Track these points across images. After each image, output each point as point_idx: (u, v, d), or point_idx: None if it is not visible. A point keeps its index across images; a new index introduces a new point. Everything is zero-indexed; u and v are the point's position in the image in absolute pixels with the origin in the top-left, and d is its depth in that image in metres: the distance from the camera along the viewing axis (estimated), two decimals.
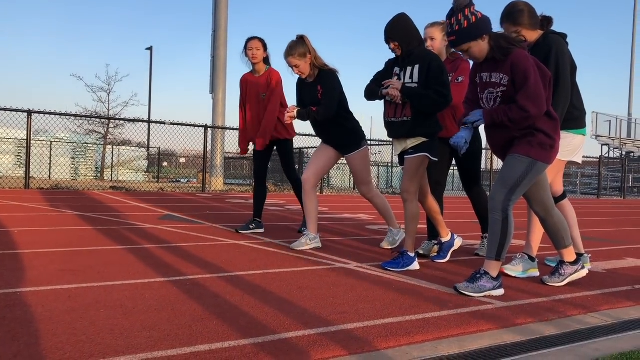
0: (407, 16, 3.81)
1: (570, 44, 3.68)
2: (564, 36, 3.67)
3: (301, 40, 4.44)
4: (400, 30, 3.75)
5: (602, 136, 31.09)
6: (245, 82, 5.50)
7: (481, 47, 3.08)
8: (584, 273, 3.46)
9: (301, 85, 4.64)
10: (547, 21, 3.67)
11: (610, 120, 31.59)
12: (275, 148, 5.53)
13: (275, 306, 2.66)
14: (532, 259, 3.74)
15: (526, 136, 3.09)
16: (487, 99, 3.17)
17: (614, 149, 32.07)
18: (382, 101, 3.96)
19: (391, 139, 4.06)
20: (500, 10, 3.70)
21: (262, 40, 5.35)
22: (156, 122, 13.73)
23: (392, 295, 2.99)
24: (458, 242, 4.25)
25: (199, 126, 13.60)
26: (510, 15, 3.60)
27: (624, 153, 31.60)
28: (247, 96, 5.46)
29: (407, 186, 3.82)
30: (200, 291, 2.89)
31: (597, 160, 22.83)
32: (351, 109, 4.65)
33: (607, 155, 30.67)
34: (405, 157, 3.86)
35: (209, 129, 13.84)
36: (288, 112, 4.48)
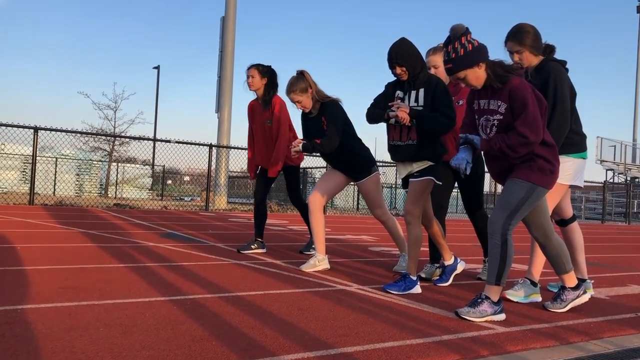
0: (408, 40, 3.85)
1: (576, 68, 3.74)
2: (563, 63, 3.71)
3: (301, 75, 4.47)
4: (407, 55, 3.77)
5: (606, 161, 31.05)
6: (251, 109, 5.50)
7: (477, 74, 3.10)
8: (586, 298, 3.44)
9: (305, 118, 4.65)
10: (549, 49, 3.72)
11: (615, 146, 31.58)
12: (282, 172, 5.53)
13: (275, 327, 2.65)
14: (534, 284, 3.72)
15: (526, 161, 3.10)
16: (484, 126, 3.19)
17: (619, 174, 32.01)
18: (385, 124, 3.97)
19: (395, 162, 4.06)
20: (501, 36, 3.75)
21: (259, 68, 5.28)
22: (161, 140, 13.80)
23: (393, 319, 2.97)
24: (461, 266, 4.24)
25: (204, 145, 13.67)
26: (516, 34, 3.65)
27: (628, 178, 31.52)
28: (253, 123, 5.46)
29: (410, 209, 3.82)
30: (201, 311, 2.89)
31: (602, 185, 22.78)
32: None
33: (611, 181, 30.61)
34: (411, 180, 3.87)
35: (213, 147, 13.90)
36: (293, 147, 4.48)
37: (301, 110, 4.61)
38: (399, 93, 3.91)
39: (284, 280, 3.97)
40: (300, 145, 4.45)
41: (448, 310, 3.25)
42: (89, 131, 22.39)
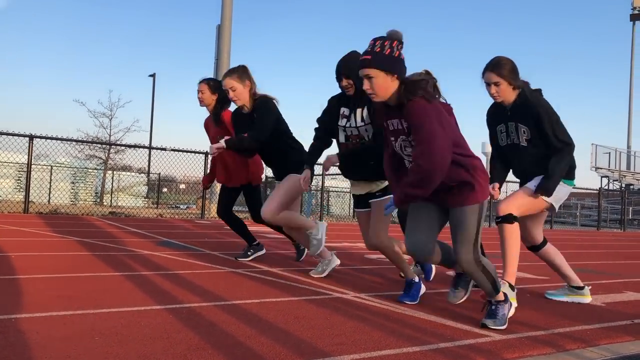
0: (360, 53, 3.78)
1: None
2: (539, 92, 3.78)
3: (243, 67, 4.43)
4: (356, 68, 3.53)
5: (601, 168, 31.17)
6: (206, 126, 5.39)
7: (387, 84, 2.89)
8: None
9: (236, 118, 4.58)
10: (524, 84, 3.77)
11: (609, 153, 31.72)
12: (242, 192, 5.49)
13: (272, 336, 2.64)
14: (511, 287, 3.68)
15: (464, 186, 2.96)
16: (403, 147, 3.02)
17: (614, 181, 32.13)
18: (336, 143, 3.90)
19: (351, 181, 3.93)
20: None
21: (209, 83, 5.09)
22: (157, 148, 13.79)
23: (390, 327, 2.97)
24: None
25: (199, 153, 13.67)
26: (495, 65, 3.67)
27: (623, 185, 31.65)
28: (211, 139, 5.33)
29: (378, 235, 3.70)
30: (196, 320, 2.88)
31: (597, 192, 22.86)
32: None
33: (606, 187, 30.72)
34: (372, 201, 3.78)
35: (209, 155, 13.89)
36: (216, 145, 4.35)
37: (235, 108, 4.55)
38: (344, 110, 3.78)
39: (280, 288, 3.96)
40: (223, 141, 4.33)
41: (445, 317, 3.25)
42: (85, 139, 22.38)
